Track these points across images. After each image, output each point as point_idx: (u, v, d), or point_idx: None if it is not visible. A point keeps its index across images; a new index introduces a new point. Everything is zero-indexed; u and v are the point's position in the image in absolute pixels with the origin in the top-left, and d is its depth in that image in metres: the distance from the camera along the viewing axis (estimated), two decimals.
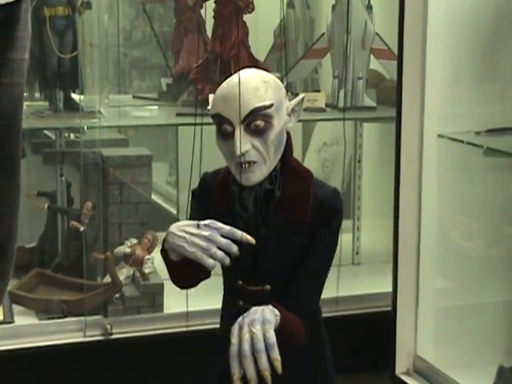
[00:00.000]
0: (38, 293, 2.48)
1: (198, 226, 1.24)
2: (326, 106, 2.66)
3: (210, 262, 1.22)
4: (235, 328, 1.21)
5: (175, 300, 2.39)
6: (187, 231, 1.24)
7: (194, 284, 1.38)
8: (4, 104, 1.28)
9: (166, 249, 1.29)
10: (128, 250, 2.44)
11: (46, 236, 2.67)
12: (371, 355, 2.39)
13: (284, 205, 1.31)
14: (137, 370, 2.45)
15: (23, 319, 2.41)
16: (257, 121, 1.24)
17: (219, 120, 1.27)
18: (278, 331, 1.22)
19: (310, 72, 2.81)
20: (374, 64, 2.79)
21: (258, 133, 1.25)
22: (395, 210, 2.23)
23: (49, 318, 2.41)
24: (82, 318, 2.40)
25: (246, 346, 1.17)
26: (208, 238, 1.22)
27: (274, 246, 1.32)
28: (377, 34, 2.62)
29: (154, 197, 2.93)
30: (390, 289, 2.28)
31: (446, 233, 2.31)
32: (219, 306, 1.47)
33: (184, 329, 2.40)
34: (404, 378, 2.23)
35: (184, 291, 1.89)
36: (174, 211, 3.15)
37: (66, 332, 2.39)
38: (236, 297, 1.38)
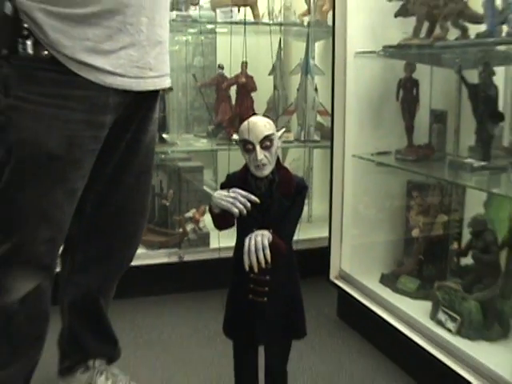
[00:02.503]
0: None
1: (228, 191, 1.70)
2: (295, 139, 3.62)
3: (235, 210, 1.68)
4: (246, 239, 1.67)
5: (215, 241, 3.21)
6: (222, 194, 1.70)
7: (226, 227, 1.79)
8: (148, 140, 2.06)
9: (211, 206, 1.73)
10: (191, 215, 3.33)
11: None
12: (316, 268, 2.91)
13: (280, 185, 1.74)
14: (197, 280, 3.30)
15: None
16: (266, 142, 1.68)
17: (245, 142, 1.69)
18: (271, 243, 1.66)
19: (285, 122, 3.64)
20: (319, 118, 3.65)
21: (267, 148, 1.69)
22: (330, 193, 2.98)
23: (151, 249, 3.26)
24: (168, 250, 3.28)
25: (252, 247, 1.64)
26: (234, 197, 1.68)
27: (275, 208, 1.73)
28: (320, 103, 3.55)
29: (204, 187, 3.56)
30: (327, 234, 3.03)
31: (356, 206, 3.01)
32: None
33: (217, 256, 3.14)
34: (334, 280, 2.99)
35: (220, 237, 2.84)
36: None
37: (160, 257, 3.26)
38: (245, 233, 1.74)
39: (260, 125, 1.70)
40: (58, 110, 1.69)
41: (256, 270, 1.66)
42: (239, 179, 1.76)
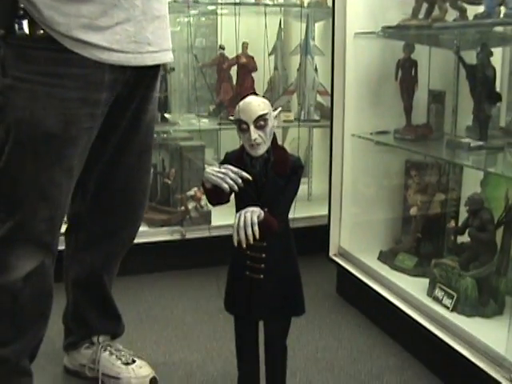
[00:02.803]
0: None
1: (219, 167, 1.73)
2: (295, 119, 3.64)
3: (225, 186, 1.70)
4: (237, 214, 1.70)
5: (217, 219, 3.35)
6: (213, 169, 1.73)
7: (220, 203, 1.80)
8: (148, 119, 2.05)
9: (203, 181, 1.74)
10: (193, 193, 3.35)
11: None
12: (315, 246, 2.97)
13: (275, 165, 1.74)
14: (198, 256, 3.33)
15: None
16: (260, 121, 1.69)
17: (239, 122, 1.70)
18: (262, 219, 1.68)
19: (286, 102, 3.71)
20: (319, 98, 3.70)
21: (261, 128, 1.70)
22: (329, 171, 3.01)
23: (153, 227, 3.31)
24: (170, 228, 3.33)
25: (241, 223, 1.66)
26: (224, 172, 1.71)
27: (269, 187, 1.74)
28: (320, 83, 3.59)
29: (205, 166, 3.26)
30: (326, 212, 3.07)
31: (355, 184, 3.03)
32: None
33: (219, 233, 3.26)
34: (333, 257, 3.03)
35: (221, 215, 3.04)
36: None
37: (163, 235, 3.31)
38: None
39: (254, 104, 1.71)
40: (53, 89, 1.71)
41: (244, 245, 1.67)
42: (236, 158, 1.78)
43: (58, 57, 1.69)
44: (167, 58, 1.95)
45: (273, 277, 1.83)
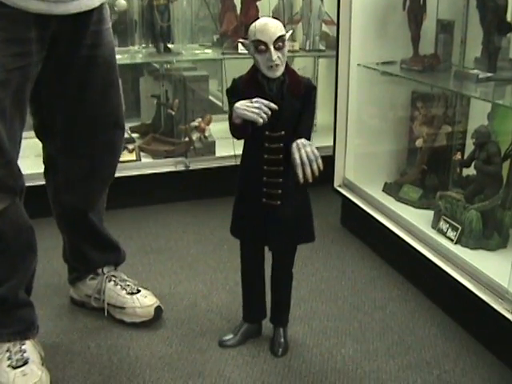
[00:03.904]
0: (152, 146, 3.39)
1: (251, 102, 1.68)
2: (300, 49, 3.61)
3: (260, 121, 1.66)
4: (294, 151, 1.67)
5: (221, 150, 3.35)
6: (245, 104, 1.68)
7: (245, 137, 1.80)
8: (106, 53, 1.96)
9: (232, 116, 1.69)
10: (197, 124, 3.35)
11: (156, 117, 3.60)
12: (320, 177, 2.65)
13: (290, 86, 1.75)
14: (202, 187, 3.37)
15: (145, 159, 3.29)
16: (279, 42, 1.67)
17: (258, 43, 1.67)
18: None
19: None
20: (324, 28, 3.65)
21: (279, 49, 1.68)
22: (335, 102, 2.99)
23: (157, 158, 3.31)
24: (174, 159, 3.32)
25: (305, 159, 1.65)
26: (258, 107, 1.66)
27: (287, 108, 1.75)
28: (326, 12, 3.56)
29: (210, 97, 3.76)
30: (331, 143, 3.05)
31: (360, 115, 3.00)
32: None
33: (223, 164, 3.30)
34: (338, 188, 3.05)
35: (225, 145, 3.14)
36: (220, 104, 3.93)
37: (167, 166, 3.31)
38: (263, 141, 1.79)
39: (272, 25, 1.68)
40: None
41: (311, 180, 1.66)
42: (248, 82, 1.76)
43: None
44: (94, 2, 1.85)
45: (288, 202, 1.84)
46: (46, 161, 2.15)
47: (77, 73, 1.91)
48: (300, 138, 1.72)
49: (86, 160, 2.07)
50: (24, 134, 1.88)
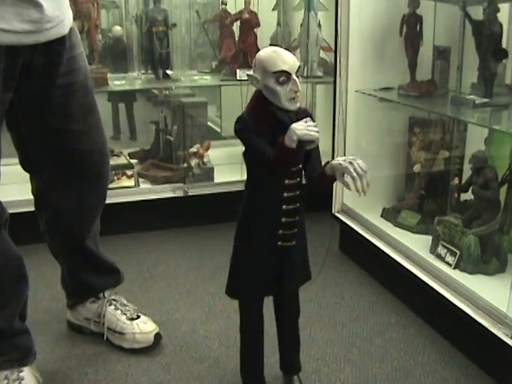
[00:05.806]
0: (151, 172, 3.41)
1: (306, 122, 1.56)
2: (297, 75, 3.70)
3: (318, 141, 1.55)
4: (346, 163, 1.54)
5: (219, 176, 3.36)
6: (303, 125, 1.54)
7: (293, 164, 1.65)
8: (81, 78, 1.95)
9: (287, 141, 1.53)
10: (195, 150, 3.37)
11: (154, 143, 3.63)
12: (319, 203, 2.63)
13: (301, 116, 1.60)
14: (201, 214, 3.36)
15: (143, 185, 3.32)
16: (297, 72, 1.58)
17: (280, 74, 1.53)
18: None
19: None
20: (322, 54, 3.63)
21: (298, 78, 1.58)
22: (333, 128, 2.98)
23: (156, 184, 3.33)
24: (173, 185, 3.34)
25: (355, 173, 1.52)
26: (315, 125, 1.55)
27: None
28: (323, 39, 3.53)
29: (208, 123, 3.74)
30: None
31: (358, 141, 2.97)
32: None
33: (221, 190, 3.30)
34: (336, 214, 3.05)
35: (223, 171, 3.18)
36: (219, 130, 3.97)
37: (165, 192, 3.32)
38: (282, 178, 1.67)
39: (291, 55, 1.58)
40: None
41: (364, 194, 1.55)
42: (261, 117, 1.62)
43: None
44: (65, 29, 1.83)
45: (299, 241, 1.77)
46: (35, 192, 2.14)
47: (57, 103, 1.88)
48: (321, 165, 1.66)
49: (75, 191, 2.06)
50: (12, 160, 1.90)
